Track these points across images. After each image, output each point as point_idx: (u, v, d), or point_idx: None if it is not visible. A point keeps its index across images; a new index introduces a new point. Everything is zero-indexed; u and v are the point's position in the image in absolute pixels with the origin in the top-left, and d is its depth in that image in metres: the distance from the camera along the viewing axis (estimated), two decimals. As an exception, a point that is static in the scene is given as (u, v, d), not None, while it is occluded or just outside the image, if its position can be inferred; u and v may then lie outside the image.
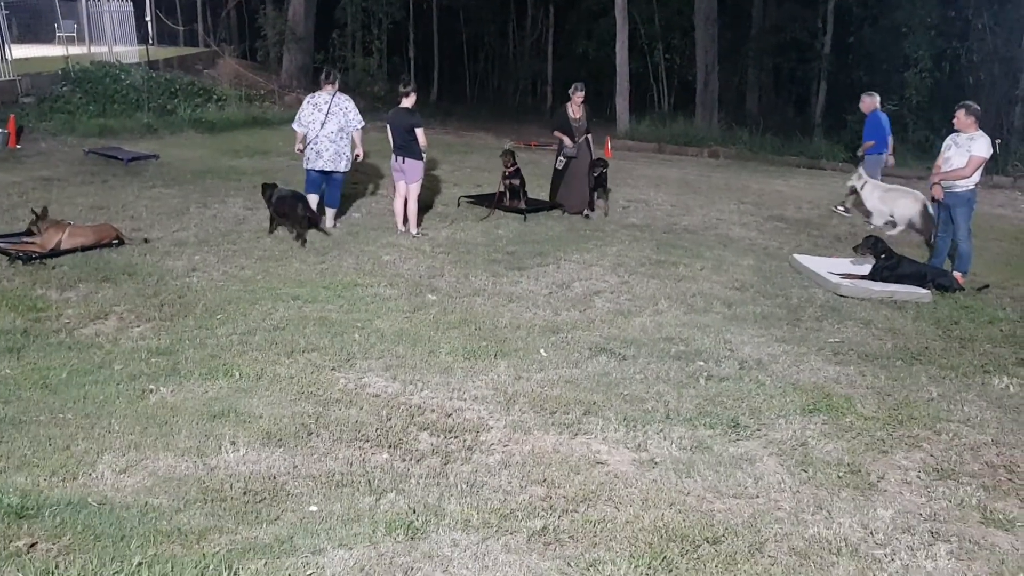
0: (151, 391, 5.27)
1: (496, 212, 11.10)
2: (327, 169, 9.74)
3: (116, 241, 8.49)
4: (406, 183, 9.71)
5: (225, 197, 11.32)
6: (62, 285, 7.26)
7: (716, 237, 10.72)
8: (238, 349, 6.04)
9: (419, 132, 9.52)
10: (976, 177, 8.85)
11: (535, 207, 11.56)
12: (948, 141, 9.10)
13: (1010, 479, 4.75)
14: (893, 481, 4.67)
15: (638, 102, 26.53)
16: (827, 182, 16.61)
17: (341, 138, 9.69)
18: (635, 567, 3.67)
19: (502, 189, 11.47)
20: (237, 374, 5.58)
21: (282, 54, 26.96)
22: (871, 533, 4.11)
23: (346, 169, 9.87)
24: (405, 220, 9.86)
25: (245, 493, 4.15)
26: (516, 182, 11.41)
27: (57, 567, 3.40)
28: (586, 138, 11.56)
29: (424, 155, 9.67)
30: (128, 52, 22.18)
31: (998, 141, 12.02)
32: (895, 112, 20.36)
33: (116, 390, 5.24)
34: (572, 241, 9.94)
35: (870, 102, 12.56)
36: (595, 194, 11.45)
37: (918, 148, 18.83)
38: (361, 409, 5.19)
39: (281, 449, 4.62)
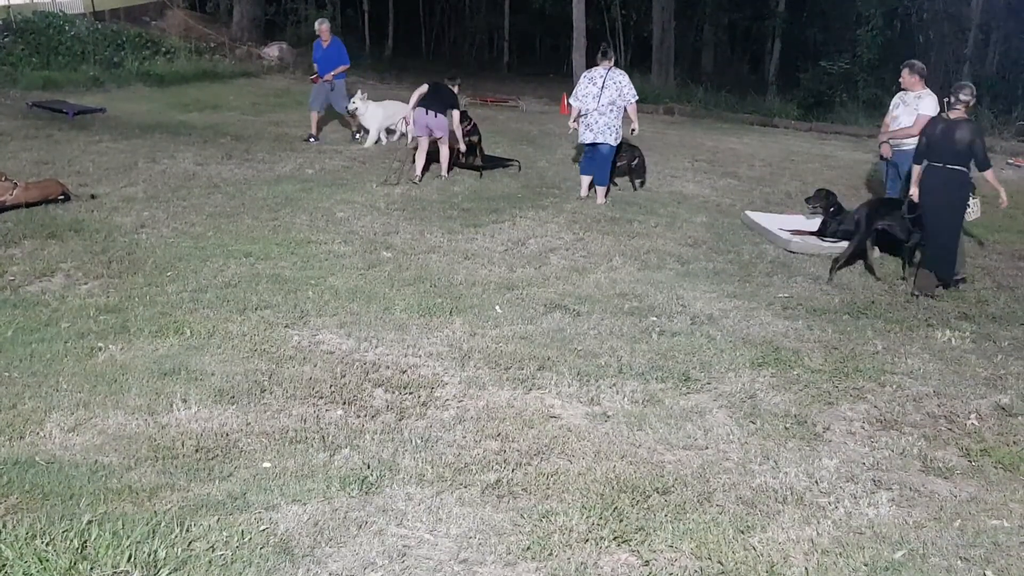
0: (100, 349, 5.20)
1: (452, 168, 11.03)
2: (596, 141, 9.76)
3: (62, 197, 8.30)
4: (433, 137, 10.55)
5: (175, 152, 11.09)
6: (6, 241, 7.09)
7: (670, 194, 10.78)
8: (189, 307, 5.97)
9: (454, 114, 10.53)
10: (924, 135, 8.96)
11: (491, 164, 11.51)
12: (896, 99, 9.17)
13: (950, 429, 4.89)
14: (838, 432, 4.78)
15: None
16: (780, 139, 16.76)
17: (611, 111, 9.67)
18: (586, 517, 3.73)
19: (460, 146, 11.38)
20: (188, 332, 5.51)
21: (233, 5, 26.31)
22: (816, 482, 4.21)
23: (615, 142, 9.81)
24: (425, 169, 10.60)
25: (197, 450, 4.12)
26: (475, 139, 11.32)
27: (4, 526, 3.36)
28: None
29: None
30: (72, 2, 21.49)
31: (946, 100, 12.16)
32: (847, 70, 20.56)
33: (64, 348, 5.16)
34: (527, 198, 9.92)
35: (325, 29, 13.30)
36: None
37: (868, 105, 18.99)
38: (315, 366, 5.17)
39: (234, 406, 4.60)
